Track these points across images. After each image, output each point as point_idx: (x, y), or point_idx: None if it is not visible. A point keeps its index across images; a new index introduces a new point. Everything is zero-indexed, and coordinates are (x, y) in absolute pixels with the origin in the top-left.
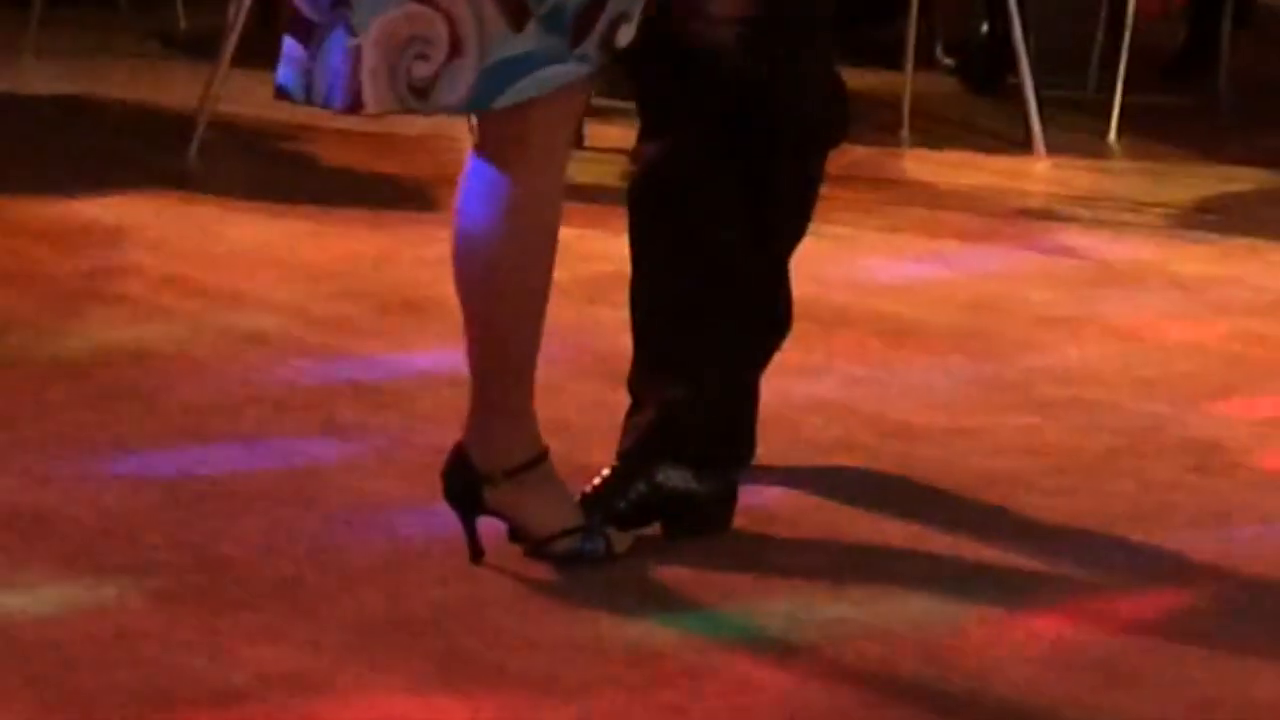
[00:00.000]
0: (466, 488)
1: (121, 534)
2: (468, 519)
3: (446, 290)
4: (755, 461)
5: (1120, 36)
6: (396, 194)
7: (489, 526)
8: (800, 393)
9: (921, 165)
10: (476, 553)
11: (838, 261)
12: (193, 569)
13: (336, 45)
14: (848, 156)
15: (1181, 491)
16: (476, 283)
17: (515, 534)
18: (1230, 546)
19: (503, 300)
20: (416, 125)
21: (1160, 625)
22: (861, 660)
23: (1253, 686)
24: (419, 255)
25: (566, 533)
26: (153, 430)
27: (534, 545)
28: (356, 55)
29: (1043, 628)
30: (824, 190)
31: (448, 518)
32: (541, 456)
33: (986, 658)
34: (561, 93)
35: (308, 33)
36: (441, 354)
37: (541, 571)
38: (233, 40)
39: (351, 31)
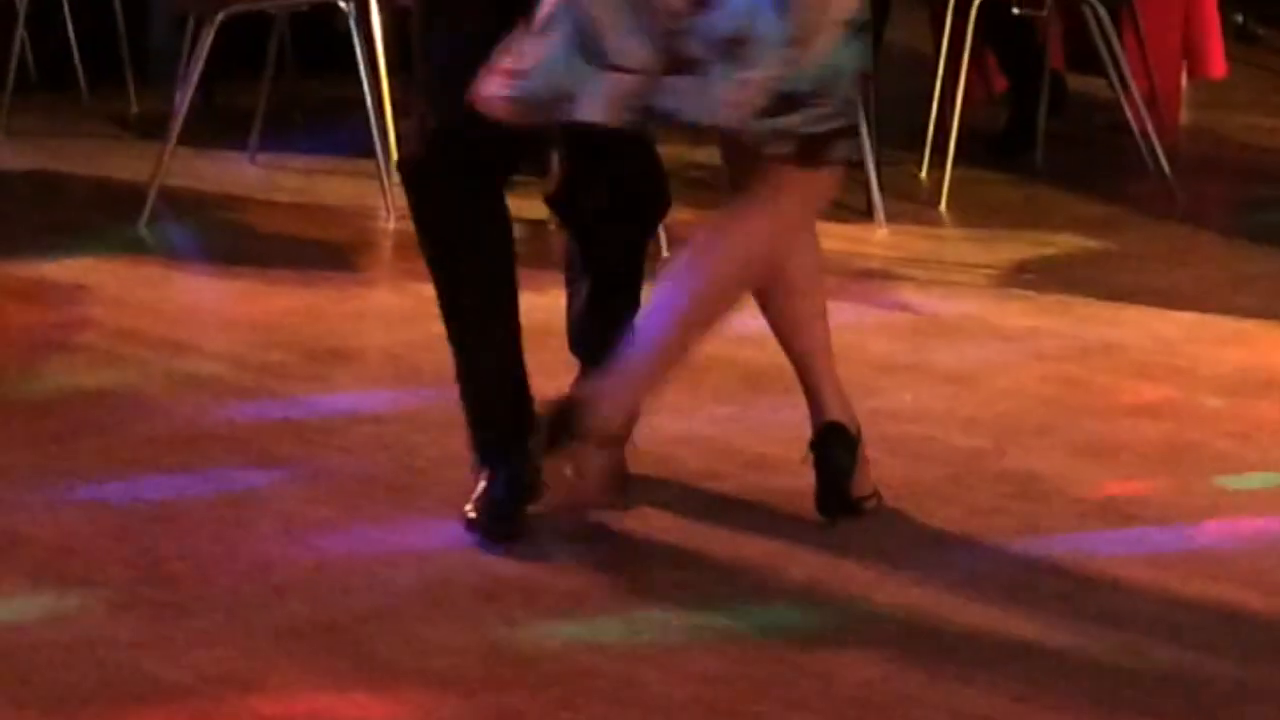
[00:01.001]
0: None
1: (81, 552)
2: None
3: (366, 340)
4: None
5: (950, 118)
6: (321, 257)
7: (416, 540)
8: (672, 429)
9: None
10: None
11: None
12: (144, 582)
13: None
14: None
15: (1002, 515)
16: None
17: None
18: (1045, 560)
19: None
20: (338, 196)
21: (983, 629)
22: (726, 661)
23: (1071, 680)
24: (341, 310)
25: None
26: (108, 462)
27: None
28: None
29: (882, 632)
30: None
31: (366, 536)
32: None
33: (833, 659)
34: None
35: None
36: (361, 395)
37: (448, 584)
38: (178, 123)
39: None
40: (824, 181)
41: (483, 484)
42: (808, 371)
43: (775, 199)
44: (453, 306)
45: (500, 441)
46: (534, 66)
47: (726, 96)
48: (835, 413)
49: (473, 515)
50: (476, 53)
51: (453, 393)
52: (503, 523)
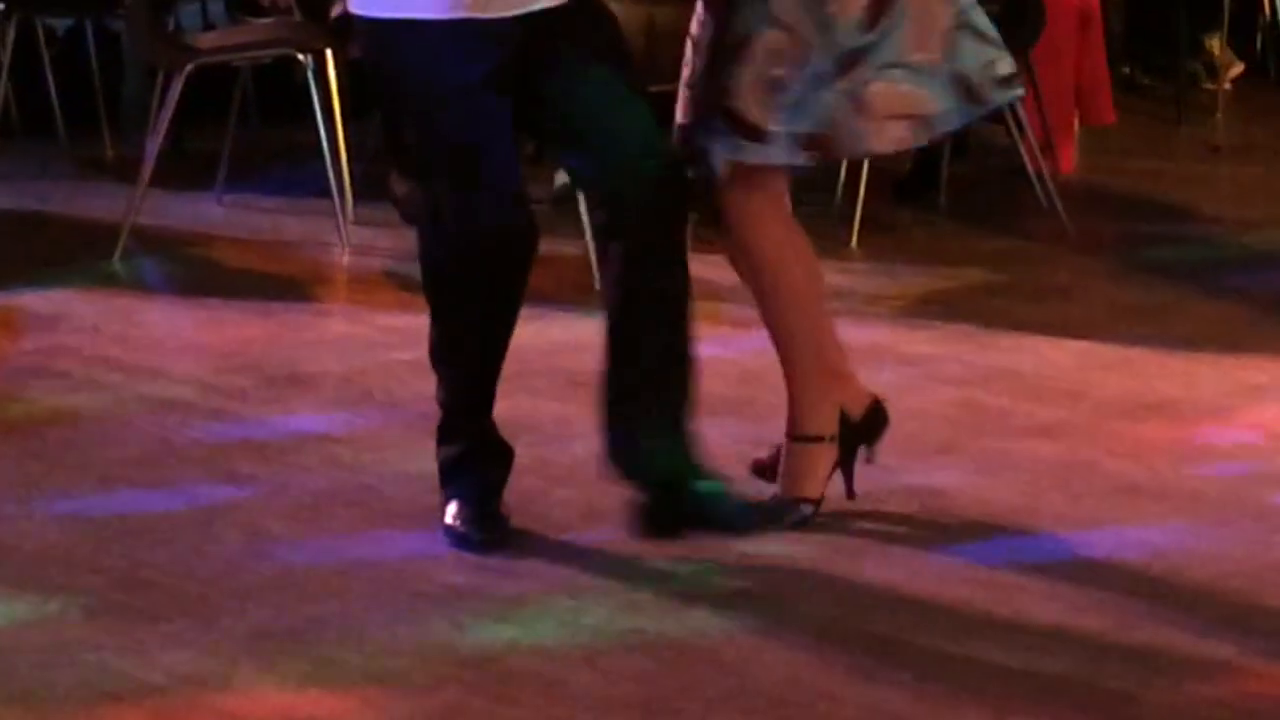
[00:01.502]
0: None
1: (61, 561)
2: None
3: (322, 366)
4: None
5: (860, 162)
6: (281, 289)
7: (369, 551)
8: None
9: (695, 268)
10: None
11: None
12: (119, 589)
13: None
14: None
15: (910, 527)
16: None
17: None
18: (950, 570)
19: None
20: (297, 233)
21: (894, 633)
22: (656, 662)
23: (972, 681)
24: (299, 338)
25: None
26: (85, 478)
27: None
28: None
29: (801, 635)
30: None
31: (324, 547)
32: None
33: (755, 660)
34: None
35: None
36: (317, 417)
37: (399, 590)
38: (149, 166)
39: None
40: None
41: (454, 503)
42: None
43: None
44: (455, 341)
45: (471, 454)
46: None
47: None
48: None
49: (457, 526)
50: (492, 125)
51: (402, 414)
52: (487, 528)
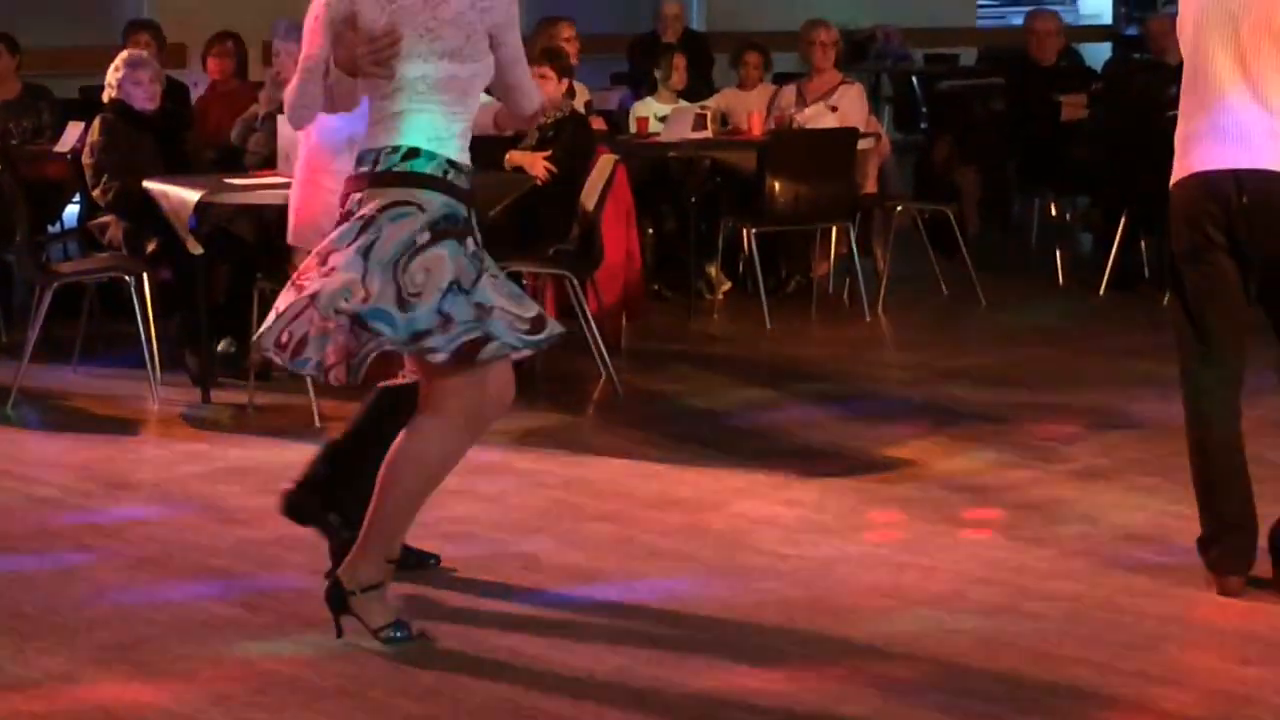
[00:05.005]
0: (337, 596)
1: None
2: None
3: (141, 476)
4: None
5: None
6: (114, 427)
7: (182, 595)
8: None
9: None
10: (340, 631)
11: None
12: (8, 619)
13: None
14: None
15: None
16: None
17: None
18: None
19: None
20: (124, 391)
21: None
22: (441, 680)
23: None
24: (126, 457)
25: (388, 626)
26: None
27: (372, 633)
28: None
29: (535, 648)
30: None
31: (142, 592)
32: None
33: (520, 674)
34: None
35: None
36: (139, 509)
37: (210, 617)
38: (30, 347)
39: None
40: (480, 386)
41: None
42: None
43: (439, 404)
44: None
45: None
46: None
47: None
48: None
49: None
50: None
51: (193, 506)
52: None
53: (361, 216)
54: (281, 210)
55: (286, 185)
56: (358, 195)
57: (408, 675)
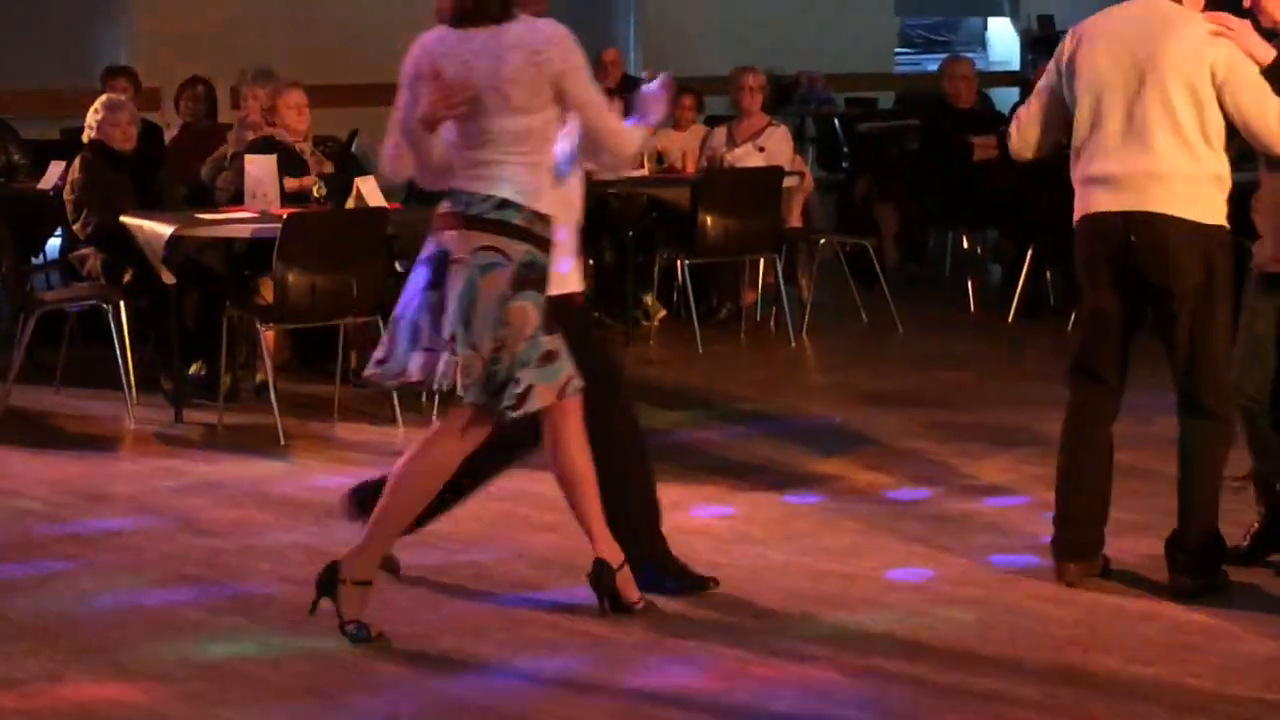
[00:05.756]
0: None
1: None
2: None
3: (118, 490)
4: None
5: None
6: (93, 444)
7: (152, 600)
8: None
9: None
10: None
11: None
12: None
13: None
14: None
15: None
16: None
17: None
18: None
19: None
20: (104, 410)
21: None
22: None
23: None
24: (104, 472)
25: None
26: None
27: (341, 624)
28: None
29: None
30: None
31: (118, 598)
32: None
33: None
34: None
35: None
36: (115, 520)
37: (172, 618)
38: (15, 368)
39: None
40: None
41: None
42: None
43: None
44: None
45: None
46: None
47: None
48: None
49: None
50: None
51: (168, 518)
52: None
53: (458, 259)
54: (249, 243)
55: (253, 220)
56: (451, 233)
57: (365, 675)
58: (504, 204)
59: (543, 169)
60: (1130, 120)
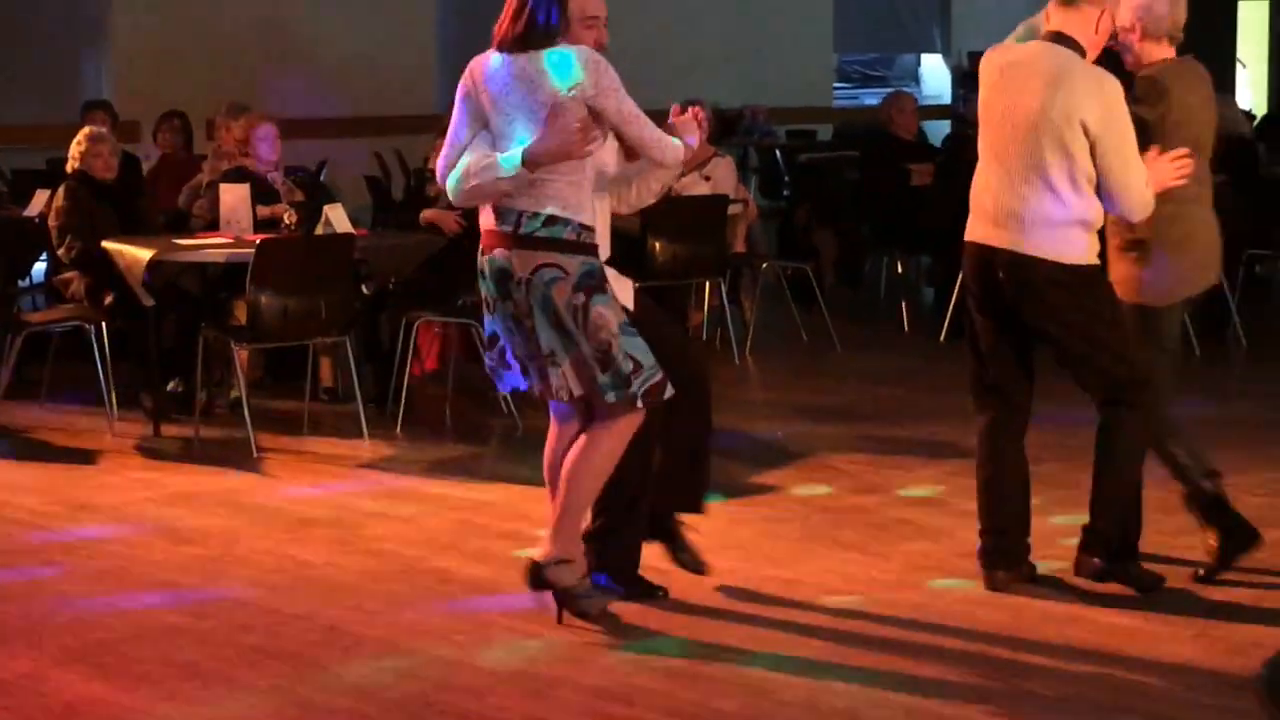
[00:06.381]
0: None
1: None
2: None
3: (101, 500)
4: None
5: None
6: (76, 456)
7: (133, 604)
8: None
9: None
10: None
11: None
12: None
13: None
14: None
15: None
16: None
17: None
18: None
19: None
20: (87, 424)
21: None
22: (379, 680)
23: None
24: (87, 483)
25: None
26: None
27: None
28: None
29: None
30: None
31: (101, 601)
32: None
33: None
34: None
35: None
36: (99, 528)
37: (153, 619)
38: (3, 385)
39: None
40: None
41: None
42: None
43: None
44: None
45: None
46: None
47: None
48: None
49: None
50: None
51: (149, 526)
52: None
53: (521, 279)
54: (224, 267)
55: (228, 245)
56: (505, 251)
57: (333, 674)
58: (551, 219)
59: (584, 186)
60: (1004, 160)
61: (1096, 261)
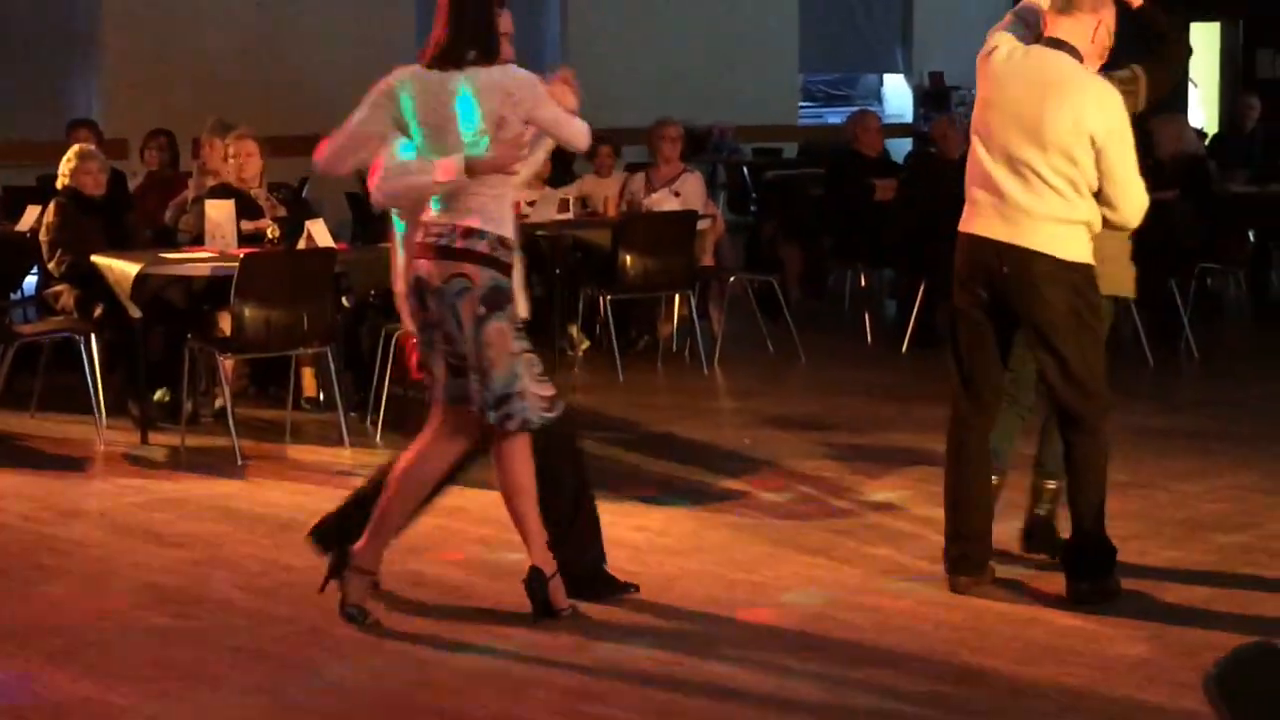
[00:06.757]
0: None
1: None
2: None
3: (91, 506)
4: None
5: None
6: (65, 463)
7: (117, 604)
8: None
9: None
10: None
11: None
12: None
13: None
14: None
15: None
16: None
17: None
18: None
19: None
20: (78, 434)
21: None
22: (357, 679)
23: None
24: (76, 489)
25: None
26: None
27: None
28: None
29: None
30: None
31: (89, 605)
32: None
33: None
34: None
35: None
36: (87, 531)
37: (136, 622)
38: None
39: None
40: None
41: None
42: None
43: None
44: None
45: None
46: None
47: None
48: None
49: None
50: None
51: (135, 529)
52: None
53: (435, 289)
54: (209, 280)
55: (213, 259)
56: (425, 263)
57: (314, 674)
58: (469, 231)
59: (507, 200)
60: (1010, 161)
61: (1093, 262)
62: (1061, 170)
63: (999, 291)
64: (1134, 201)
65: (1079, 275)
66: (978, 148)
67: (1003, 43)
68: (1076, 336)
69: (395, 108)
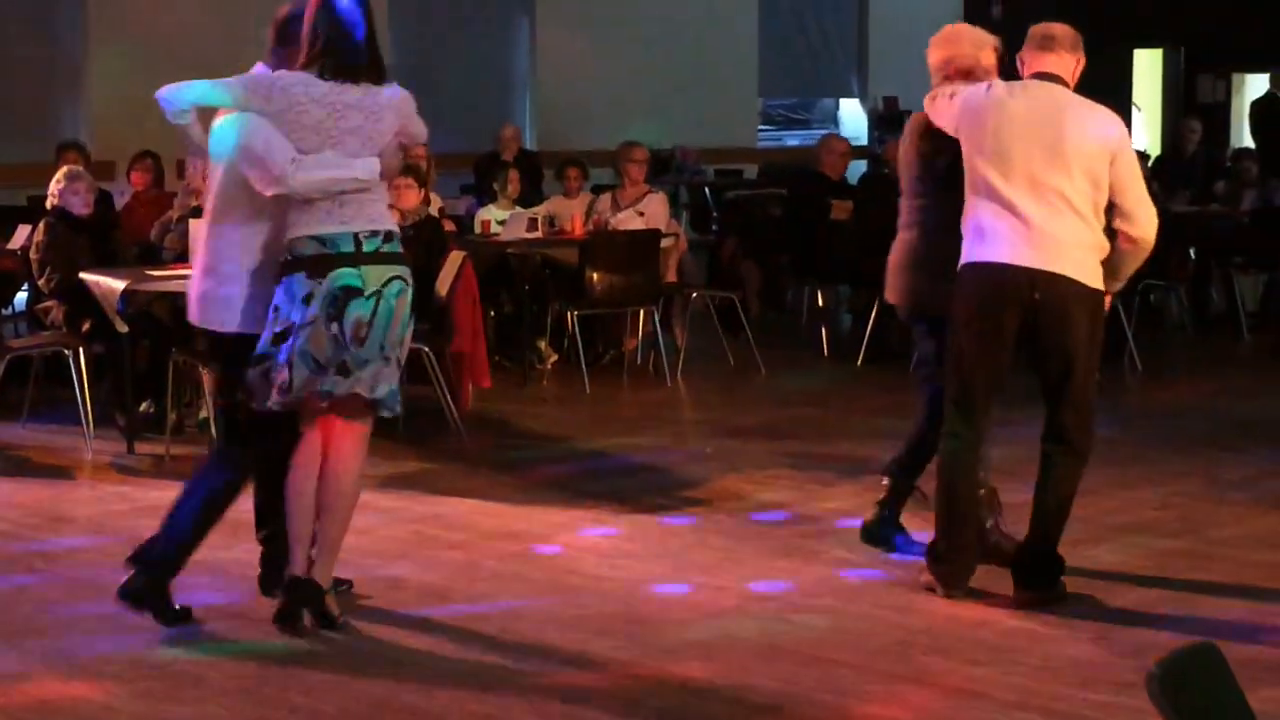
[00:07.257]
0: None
1: None
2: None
3: (78, 513)
4: None
5: None
6: (55, 473)
7: (99, 609)
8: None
9: None
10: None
11: None
12: None
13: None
14: None
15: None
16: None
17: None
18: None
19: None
20: (66, 443)
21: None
22: (336, 681)
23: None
24: (65, 498)
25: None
26: None
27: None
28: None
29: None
30: None
31: (80, 608)
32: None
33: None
34: None
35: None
36: (76, 539)
37: (116, 624)
38: None
39: None
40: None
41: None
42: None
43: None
44: None
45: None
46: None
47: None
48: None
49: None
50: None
51: (123, 538)
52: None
53: (371, 294)
54: None
55: None
56: (351, 271)
57: (295, 675)
58: (389, 235)
59: (352, 201)
60: (1035, 187)
61: (1102, 288)
62: (1087, 195)
63: (1028, 318)
64: (1149, 213)
65: (1096, 301)
66: (990, 178)
67: (988, 81)
68: (1087, 361)
69: (285, 119)
